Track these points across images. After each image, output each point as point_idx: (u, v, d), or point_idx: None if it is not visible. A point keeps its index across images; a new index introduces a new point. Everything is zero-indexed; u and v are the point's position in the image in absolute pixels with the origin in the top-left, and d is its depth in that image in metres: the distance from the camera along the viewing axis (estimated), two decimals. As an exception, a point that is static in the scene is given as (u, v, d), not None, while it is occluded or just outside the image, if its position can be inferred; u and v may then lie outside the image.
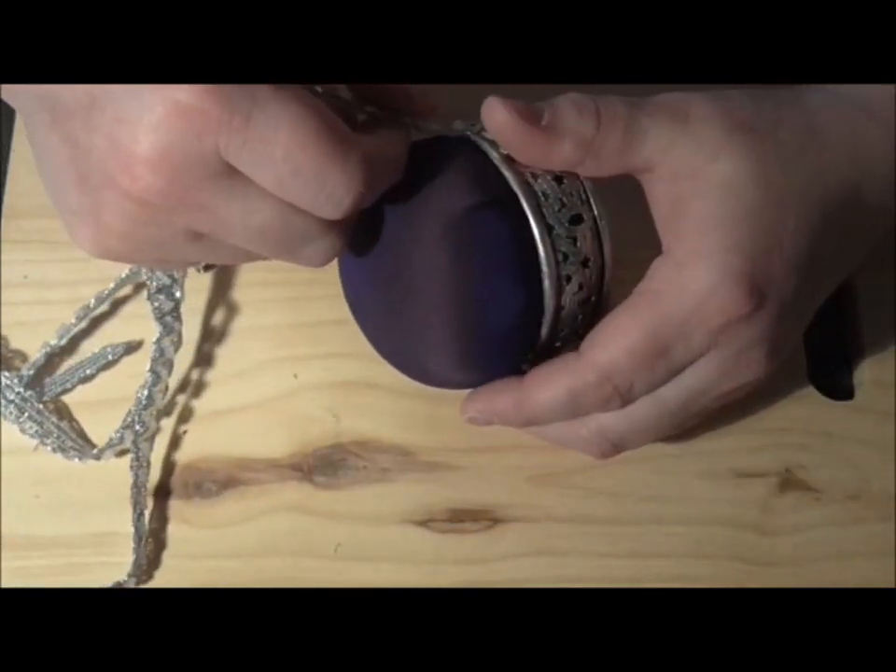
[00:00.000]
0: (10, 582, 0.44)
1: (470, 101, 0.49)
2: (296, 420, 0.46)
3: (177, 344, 0.46)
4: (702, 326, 0.36)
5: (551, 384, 0.38)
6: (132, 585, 0.43)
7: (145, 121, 0.31)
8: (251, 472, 0.46)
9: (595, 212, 0.38)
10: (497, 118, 0.36)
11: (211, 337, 0.47)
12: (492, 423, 0.41)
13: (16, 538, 0.45)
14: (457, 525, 0.45)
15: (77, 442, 0.46)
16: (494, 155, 0.37)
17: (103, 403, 0.47)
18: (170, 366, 0.46)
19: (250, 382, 0.47)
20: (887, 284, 0.48)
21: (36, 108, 0.34)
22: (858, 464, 0.46)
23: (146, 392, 0.45)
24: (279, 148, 0.32)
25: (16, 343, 0.47)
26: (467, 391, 0.41)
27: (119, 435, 0.45)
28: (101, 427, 0.46)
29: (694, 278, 0.36)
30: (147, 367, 0.45)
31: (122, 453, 0.45)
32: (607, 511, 0.45)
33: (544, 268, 0.37)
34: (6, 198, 0.49)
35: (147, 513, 0.44)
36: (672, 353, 0.37)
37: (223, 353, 0.47)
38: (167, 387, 0.46)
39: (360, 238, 0.38)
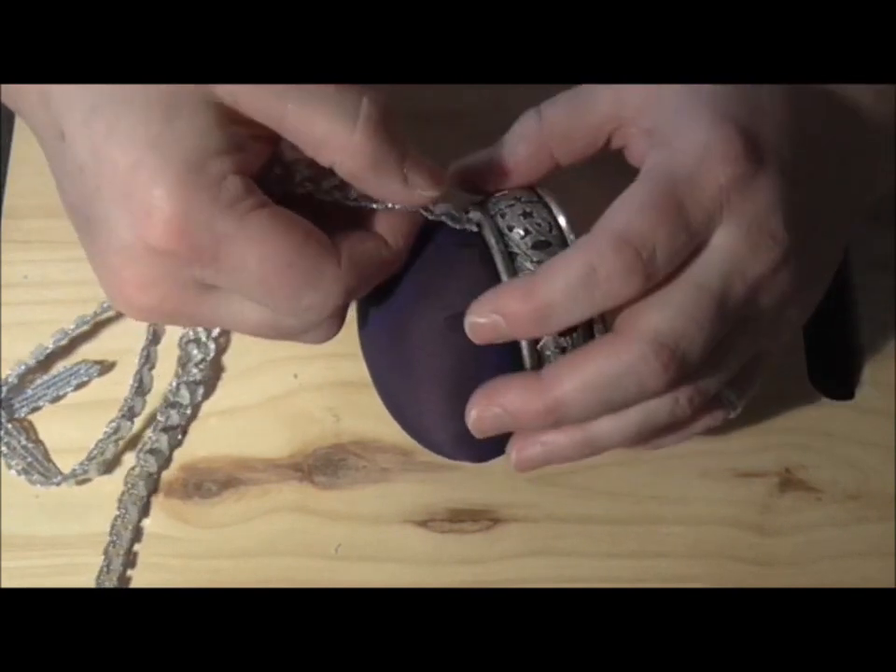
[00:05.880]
0: (10, 582, 0.44)
1: (471, 101, 0.49)
2: (296, 420, 0.46)
3: (194, 394, 0.46)
4: (710, 181, 0.34)
5: (563, 262, 0.35)
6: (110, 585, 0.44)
7: (127, 254, 0.34)
8: (251, 472, 0.46)
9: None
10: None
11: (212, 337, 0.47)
12: (499, 330, 0.36)
13: (16, 538, 0.45)
14: (457, 525, 0.45)
15: (43, 465, 0.45)
16: (498, 260, 0.37)
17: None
18: (183, 412, 0.46)
19: (250, 382, 0.47)
20: (887, 284, 0.48)
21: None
22: (858, 464, 0.46)
23: (144, 456, 0.45)
24: (250, 276, 0.34)
25: (16, 342, 0.47)
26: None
27: (83, 467, 0.45)
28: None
29: (688, 142, 0.35)
30: (161, 405, 0.46)
31: (84, 482, 0.45)
32: (607, 511, 0.45)
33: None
34: (6, 198, 0.49)
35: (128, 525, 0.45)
36: (687, 210, 0.34)
37: (224, 353, 0.47)
38: (167, 456, 0.46)
39: (372, 304, 0.39)
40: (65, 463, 0.45)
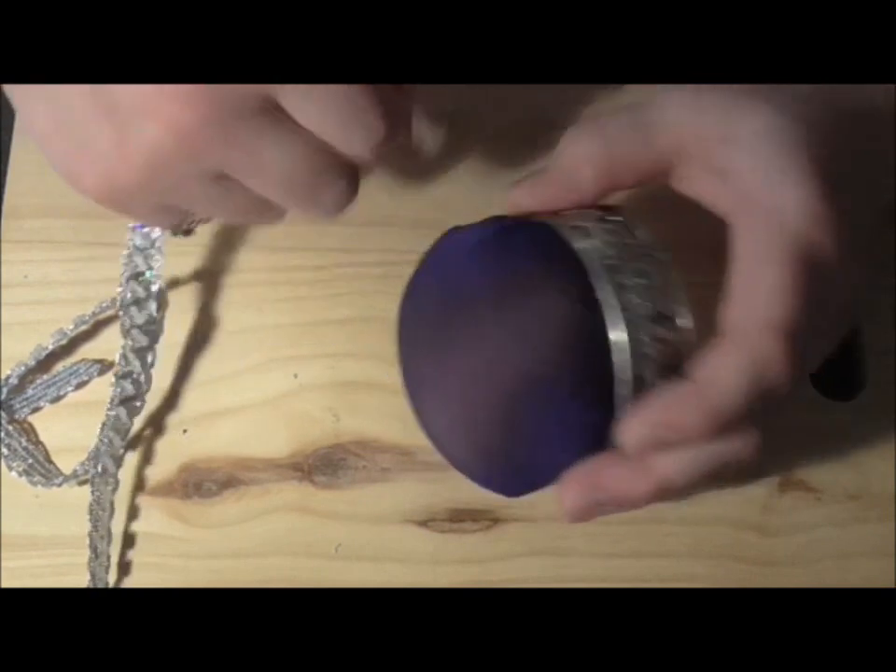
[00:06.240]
0: (10, 582, 0.44)
1: (471, 101, 0.49)
2: (296, 420, 0.46)
3: (144, 360, 0.43)
4: (825, 247, 0.35)
5: (723, 364, 0.34)
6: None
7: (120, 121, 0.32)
8: (251, 472, 0.46)
9: None
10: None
11: (211, 337, 0.47)
12: (663, 438, 0.35)
13: (16, 538, 0.45)
14: (457, 524, 0.45)
15: (44, 467, 0.45)
16: (609, 299, 0.35)
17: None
18: (136, 380, 0.44)
19: (250, 382, 0.47)
20: (887, 284, 0.48)
21: None
22: (858, 464, 0.46)
23: (107, 434, 0.44)
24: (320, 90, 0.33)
25: (16, 343, 0.47)
26: None
27: (83, 467, 0.45)
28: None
29: (790, 202, 0.35)
30: (108, 399, 0.44)
31: (84, 482, 0.45)
32: (607, 511, 0.45)
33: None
34: (6, 198, 0.49)
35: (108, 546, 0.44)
36: (819, 285, 0.35)
37: (223, 352, 0.47)
38: (130, 427, 0.45)
39: (435, 304, 0.38)
40: (66, 463, 0.46)
